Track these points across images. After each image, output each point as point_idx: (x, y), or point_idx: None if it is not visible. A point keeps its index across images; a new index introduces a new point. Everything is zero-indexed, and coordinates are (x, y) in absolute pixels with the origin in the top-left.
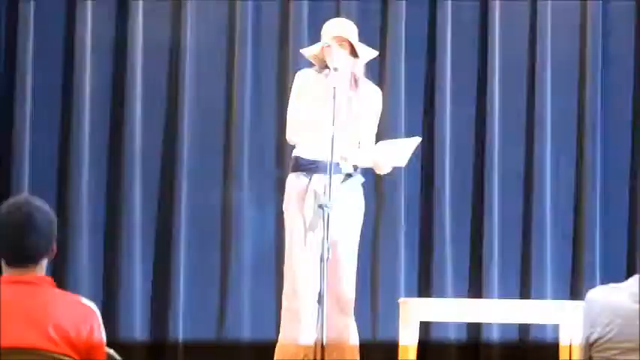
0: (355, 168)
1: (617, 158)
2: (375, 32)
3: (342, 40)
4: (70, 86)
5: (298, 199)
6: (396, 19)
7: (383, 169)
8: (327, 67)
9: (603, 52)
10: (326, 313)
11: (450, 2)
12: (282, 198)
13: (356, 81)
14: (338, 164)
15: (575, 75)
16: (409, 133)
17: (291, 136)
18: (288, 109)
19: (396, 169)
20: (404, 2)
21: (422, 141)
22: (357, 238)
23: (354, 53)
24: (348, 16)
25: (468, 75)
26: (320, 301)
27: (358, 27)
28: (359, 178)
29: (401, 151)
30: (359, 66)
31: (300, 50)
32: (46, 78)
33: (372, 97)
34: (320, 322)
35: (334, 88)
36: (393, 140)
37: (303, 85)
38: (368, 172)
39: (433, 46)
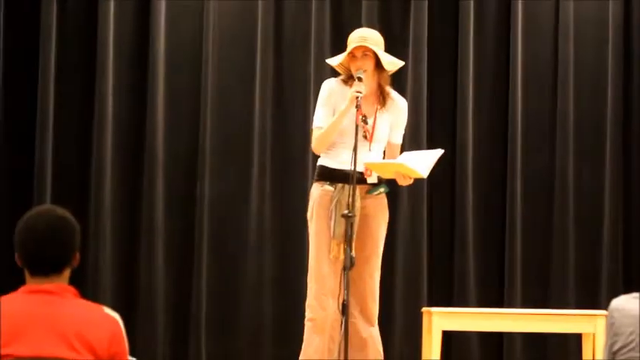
0: (380, 180)
1: None
2: (397, 40)
3: (366, 50)
4: (91, 98)
5: (322, 208)
6: (419, 27)
7: (405, 181)
8: (352, 76)
9: (625, 60)
10: (351, 323)
11: (472, 12)
12: (306, 207)
13: (382, 91)
14: (362, 174)
15: (596, 83)
16: (431, 142)
17: (316, 146)
18: (314, 118)
19: (417, 180)
20: (426, 13)
21: (445, 152)
22: (381, 250)
23: (379, 63)
24: (369, 25)
25: (490, 84)
26: (344, 311)
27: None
28: (384, 189)
29: (423, 162)
30: (384, 76)
31: (326, 60)
32: (68, 85)
33: (397, 107)
34: (343, 333)
35: (357, 97)
36: (417, 152)
37: (329, 95)
38: (389, 183)
39: (455, 55)
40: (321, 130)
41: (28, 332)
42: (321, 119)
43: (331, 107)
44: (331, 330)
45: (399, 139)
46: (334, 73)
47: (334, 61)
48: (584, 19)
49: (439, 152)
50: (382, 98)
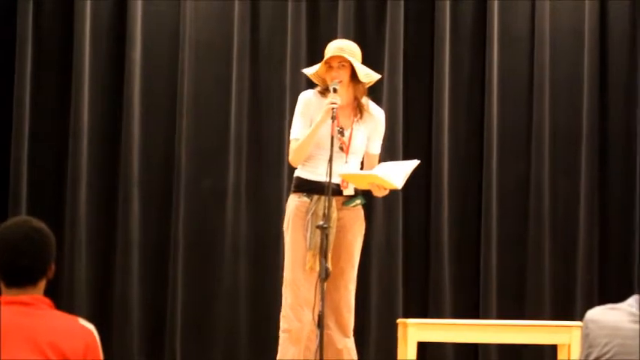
0: (356, 192)
1: (616, 176)
2: (374, 50)
3: (343, 60)
4: (67, 109)
5: (298, 219)
6: (394, 39)
7: (380, 192)
8: (326, 85)
9: (601, 69)
10: (326, 334)
11: (448, 23)
12: (282, 217)
13: (358, 103)
14: (339, 185)
15: (572, 92)
16: (407, 152)
17: (293, 158)
18: (291, 131)
19: (392, 191)
20: (402, 24)
21: (420, 160)
22: (357, 261)
23: (355, 75)
24: (346, 35)
25: (465, 93)
26: (320, 323)
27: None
28: (361, 201)
29: (398, 173)
30: (360, 88)
31: (303, 70)
32: (43, 97)
33: (374, 119)
34: (319, 344)
35: (333, 109)
36: (392, 162)
37: (306, 106)
38: (365, 194)
39: (431, 65)
40: (298, 141)
41: (3, 343)
42: (298, 131)
43: (308, 119)
44: (307, 340)
45: (377, 150)
46: (310, 83)
47: (310, 71)
48: (560, 28)
49: (415, 163)
50: (358, 110)
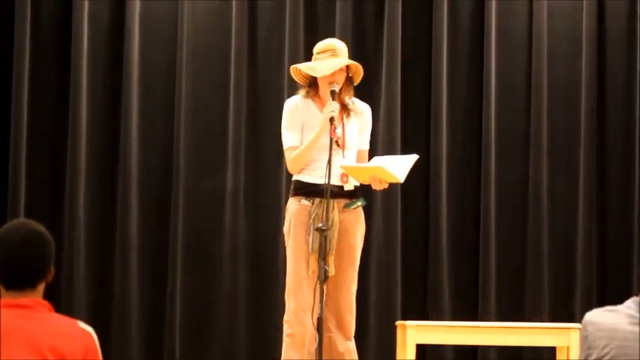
0: (357, 191)
1: (615, 178)
2: (372, 53)
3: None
4: (65, 112)
5: (300, 223)
6: (392, 43)
7: (380, 186)
8: (310, 85)
9: (599, 72)
10: (327, 337)
11: (446, 20)
12: (280, 219)
13: (343, 102)
14: (340, 187)
15: (570, 95)
16: (405, 153)
17: (292, 166)
18: (283, 141)
19: (391, 192)
20: (400, 27)
21: (419, 162)
22: (358, 262)
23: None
24: (344, 35)
25: (464, 97)
26: (319, 324)
27: (355, 45)
28: (362, 202)
29: (400, 166)
30: (349, 89)
31: (297, 65)
32: (42, 100)
33: (361, 113)
34: (317, 348)
35: (333, 115)
36: (391, 156)
37: (293, 113)
38: (365, 195)
39: (429, 69)
40: (295, 149)
41: (3, 346)
42: (292, 139)
43: (299, 125)
44: (309, 345)
45: (366, 145)
46: None
47: (318, 73)
48: (558, 32)
49: (414, 157)
50: (346, 107)
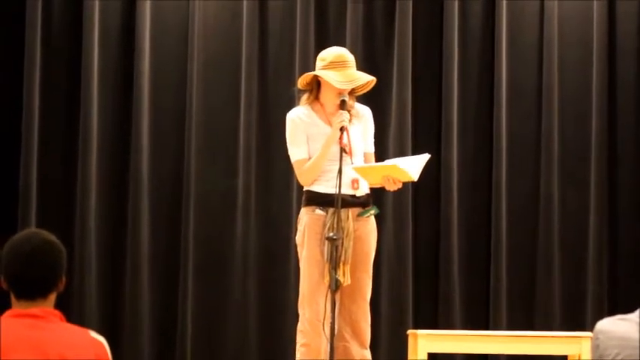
0: (368, 198)
1: (626, 187)
2: (382, 66)
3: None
4: (76, 121)
5: (314, 233)
6: (403, 53)
7: (393, 186)
8: (309, 91)
9: (610, 83)
10: (343, 346)
11: (456, 27)
12: (291, 227)
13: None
14: (354, 196)
15: (581, 106)
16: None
17: (305, 179)
18: (290, 155)
19: (402, 203)
20: (410, 38)
21: (430, 170)
22: (371, 272)
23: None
24: (354, 44)
25: (474, 107)
26: (331, 333)
27: (366, 55)
28: (375, 211)
29: (413, 165)
30: (353, 97)
31: (314, 72)
32: (52, 109)
33: (363, 116)
34: (330, 355)
35: (343, 126)
36: (402, 158)
37: (297, 126)
38: (376, 203)
39: (439, 79)
40: (304, 162)
41: (14, 356)
42: (300, 152)
43: (304, 137)
44: (324, 354)
45: (372, 148)
46: None
47: (342, 85)
48: (569, 42)
49: (426, 156)
50: (350, 112)
